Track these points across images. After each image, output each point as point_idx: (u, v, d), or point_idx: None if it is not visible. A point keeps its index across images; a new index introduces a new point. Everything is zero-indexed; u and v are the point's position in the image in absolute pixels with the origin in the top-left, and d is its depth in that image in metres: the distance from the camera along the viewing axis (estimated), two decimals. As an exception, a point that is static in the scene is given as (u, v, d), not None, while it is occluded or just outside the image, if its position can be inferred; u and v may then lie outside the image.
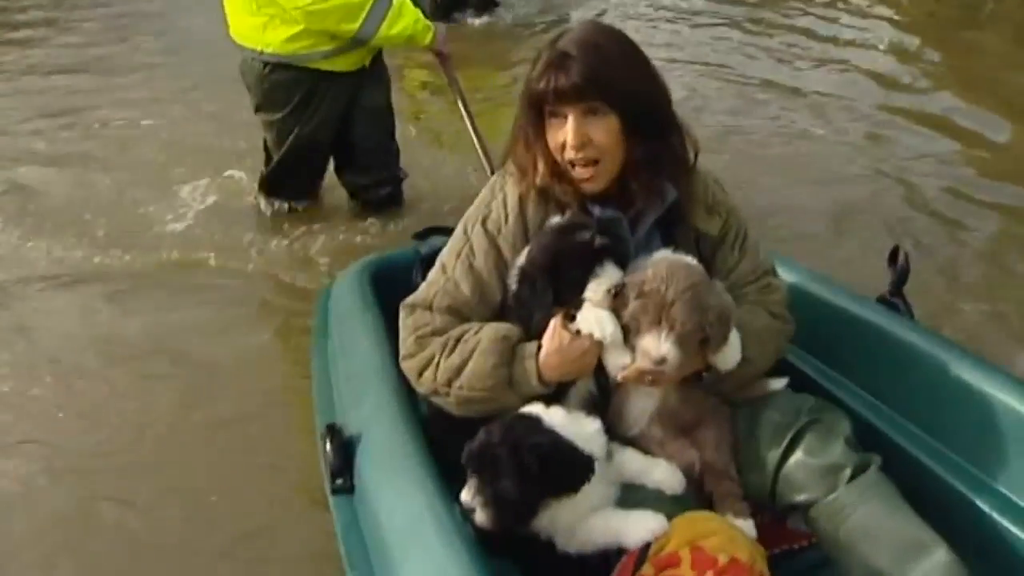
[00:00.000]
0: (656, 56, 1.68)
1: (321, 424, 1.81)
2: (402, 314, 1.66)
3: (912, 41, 6.32)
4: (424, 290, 1.66)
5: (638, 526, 1.43)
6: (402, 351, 1.65)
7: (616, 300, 1.51)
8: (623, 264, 1.55)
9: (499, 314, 1.64)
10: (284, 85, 3.40)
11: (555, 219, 1.60)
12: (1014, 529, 1.57)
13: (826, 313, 1.96)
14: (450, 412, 1.62)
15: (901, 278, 2.00)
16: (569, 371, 1.55)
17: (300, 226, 3.74)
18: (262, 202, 3.85)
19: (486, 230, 1.64)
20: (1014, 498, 1.61)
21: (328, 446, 1.68)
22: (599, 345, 1.53)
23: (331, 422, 1.76)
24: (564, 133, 1.57)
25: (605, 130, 1.56)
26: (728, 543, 1.39)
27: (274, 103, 3.45)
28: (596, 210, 1.65)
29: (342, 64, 3.38)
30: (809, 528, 1.63)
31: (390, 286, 2.03)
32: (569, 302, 1.54)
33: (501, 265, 1.63)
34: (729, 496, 1.59)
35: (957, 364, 1.73)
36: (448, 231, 1.81)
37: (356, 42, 3.29)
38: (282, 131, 3.51)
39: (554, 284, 1.54)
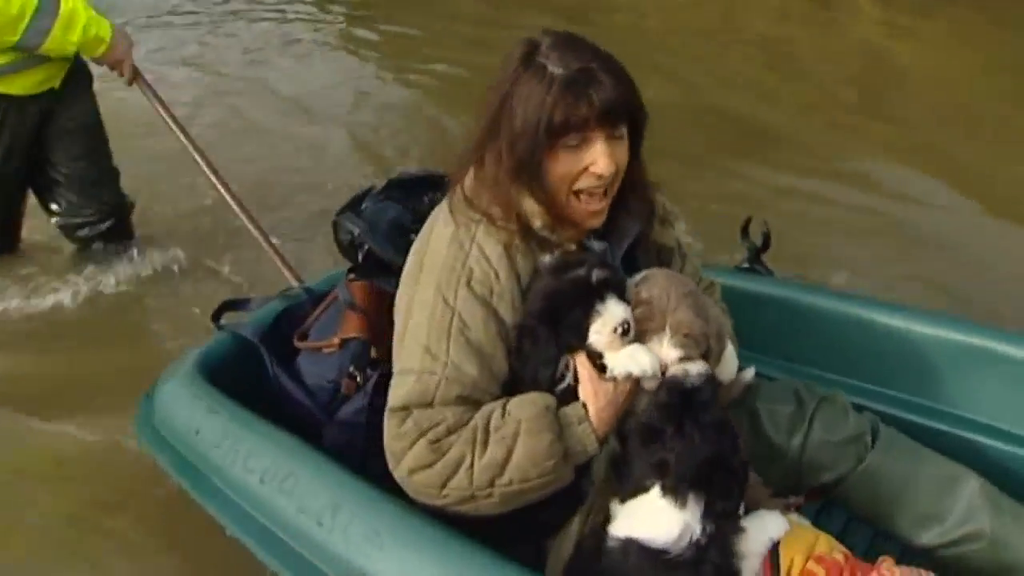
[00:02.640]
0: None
1: None
2: (391, 422, 1.36)
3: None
4: (412, 385, 1.34)
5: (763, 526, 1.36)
6: (405, 464, 1.34)
7: (625, 338, 1.33)
8: (623, 297, 1.38)
9: (508, 384, 1.41)
10: None
11: (544, 259, 1.42)
12: (972, 436, 1.77)
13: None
14: (479, 515, 1.35)
15: (766, 244, 2.08)
16: (615, 419, 1.37)
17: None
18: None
19: (475, 294, 1.36)
20: (966, 414, 1.79)
21: None
22: (637, 380, 1.36)
23: None
24: (582, 160, 1.36)
25: (624, 153, 1.40)
26: (824, 542, 1.39)
27: None
28: (594, 244, 1.51)
29: (20, 85, 2.81)
30: (840, 501, 1.68)
31: (230, 386, 1.71)
32: (575, 348, 1.36)
33: (503, 332, 1.37)
34: (765, 496, 1.53)
35: (867, 312, 1.90)
36: (245, 302, 1.70)
37: (23, 53, 2.73)
38: None
39: (555, 331, 1.35)
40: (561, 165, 1.37)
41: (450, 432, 1.31)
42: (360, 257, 1.83)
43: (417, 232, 1.90)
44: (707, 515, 1.26)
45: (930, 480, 1.60)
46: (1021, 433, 1.74)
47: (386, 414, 1.38)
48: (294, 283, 2.21)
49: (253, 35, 6.19)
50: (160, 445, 1.72)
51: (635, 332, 1.35)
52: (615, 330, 1.32)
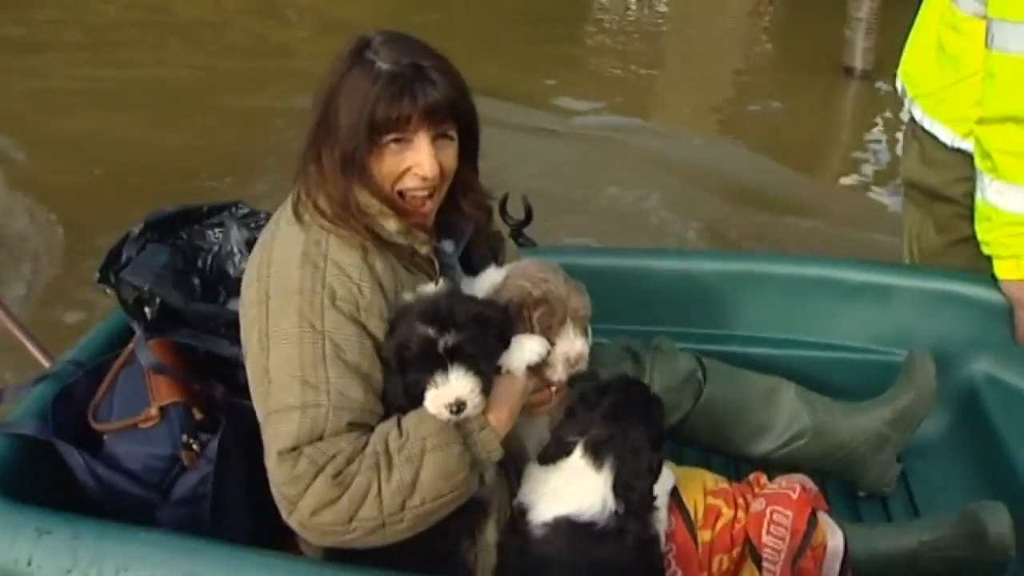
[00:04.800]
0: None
1: None
2: (282, 467, 1.21)
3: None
4: (299, 422, 1.22)
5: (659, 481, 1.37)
6: (304, 507, 1.20)
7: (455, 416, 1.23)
8: (481, 370, 1.25)
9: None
10: None
11: (424, 291, 1.32)
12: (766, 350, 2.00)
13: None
14: (378, 545, 1.24)
15: (528, 218, 2.07)
16: (513, 419, 1.33)
17: None
18: None
19: (343, 313, 1.26)
20: (755, 333, 2.03)
21: None
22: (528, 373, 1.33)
23: None
24: (406, 160, 1.32)
25: (452, 155, 1.37)
26: (710, 478, 1.52)
27: None
28: (447, 245, 1.46)
29: None
30: (680, 437, 1.81)
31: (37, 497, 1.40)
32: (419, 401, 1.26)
33: (375, 346, 1.28)
34: None
35: (646, 261, 2.07)
36: None
37: None
38: None
39: (402, 377, 1.27)
40: (385, 164, 1.32)
41: (350, 462, 1.20)
42: (149, 312, 1.60)
43: (192, 272, 1.72)
44: (618, 487, 1.29)
45: (755, 397, 1.79)
46: (805, 339, 1.99)
47: (272, 461, 1.23)
48: (44, 361, 1.86)
49: None
50: None
51: (535, 335, 1.33)
52: (447, 407, 1.22)
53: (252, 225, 1.76)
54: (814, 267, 2.03)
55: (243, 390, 1.61)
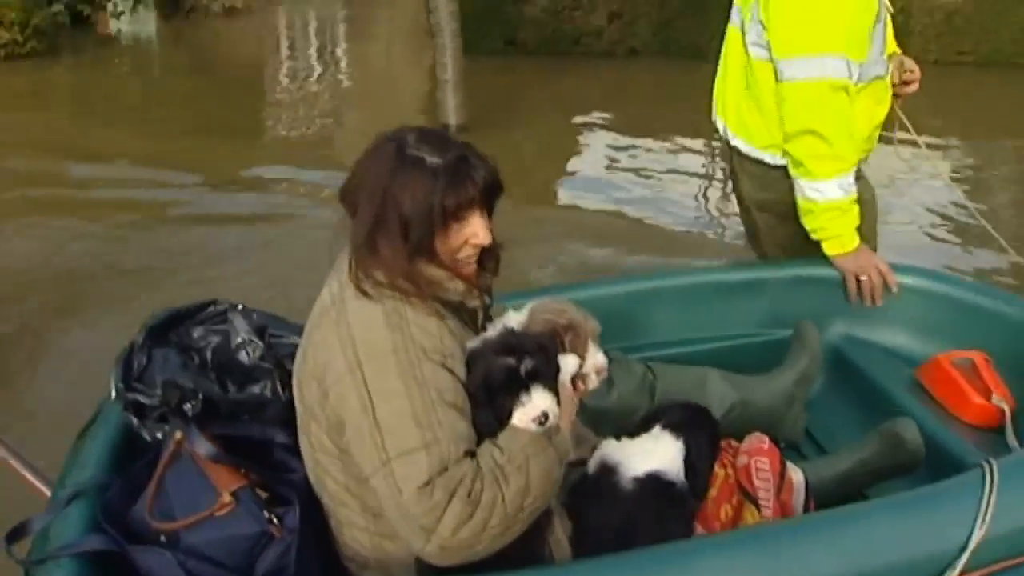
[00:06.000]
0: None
1: None
2: (420, 501, 1.39)
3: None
4: (426, 459, 1.41)
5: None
6: (444, 529, 1.39)
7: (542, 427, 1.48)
8: (553, 386, 1.51)
9: None
10: None
11: (486, 335, 1.58)
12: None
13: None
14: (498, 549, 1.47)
15: None
16: (571, 423, 1.60)
17: None
18: None
19: (436, 363, 1.48)
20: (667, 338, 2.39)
21: None
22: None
23: None
24: (464, 235, 1.56)
25: (489, 223, 1.61)
26: None
27: None
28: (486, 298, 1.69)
29: None
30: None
31: None
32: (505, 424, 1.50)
33: (463, 386, 1.51)
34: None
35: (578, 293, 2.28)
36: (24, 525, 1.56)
37: None
38: None
39: (490, 407, 1.50)
40: (450, 241, 1.56)
41: (475, 482, 1.42)
42: (192, 409, 1.70)
43: (206, 367, 1.85)
44: (688, 461, 1.65)
45: (692, 386, 2.16)
46: (707, 335, 2.41)
47: (408, 499, 1.41)
48: (45, 490, 1.85)
49: None
50: None
51: (570, 354, 1.61)
52: (535, 420, 1.47)
53: (253, 318, 1.91)
54: (701, 275, 2.47)
55: (279, 467, 1.78)
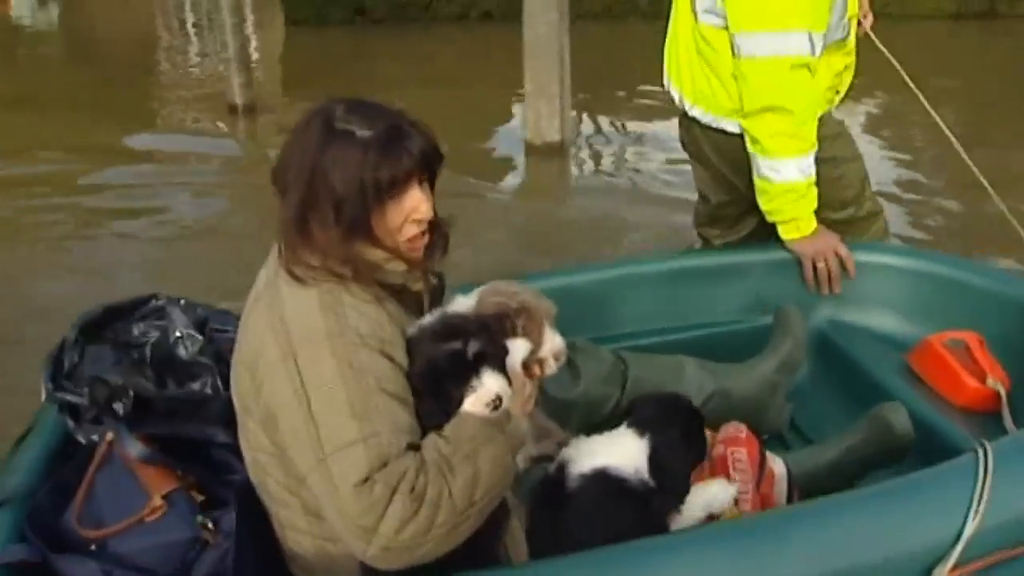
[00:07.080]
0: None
1: None
2: (359, 499, 1.26)
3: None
4: (363, 453, 1.29)
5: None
6: (386, 528, 1.26)
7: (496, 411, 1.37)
8: (502, 367, 1.40)
9: None
10: None
11: (424, 321, 1.45)
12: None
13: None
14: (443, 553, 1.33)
15: None
16: (523, 410, 1.48)
17: None
18: None
19: (374, 349, 1.36)
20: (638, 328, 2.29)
21: None
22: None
23: None
24: (405, 210, 1.44)
25: (431, 194, 1.50)
26: None
27: None
28: (432, 280, 1.57)
29: None
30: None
31: None
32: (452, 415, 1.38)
33: (404, 374, 1.40)
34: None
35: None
36: None
37: None
38: None
39: (435, 396, 1.38)
40: (388, 219, 1.44)
41: (418, 476, 1.29)
42: (123, 408, 1.59)
43: (143, 364, 1.73)
44: (654, 461, 1.51)
45: (667, 375, 2.05)
46: (687, 323, 2.30)
47: (345, 497, 1.28)
48: None
49: None
50: None
51: (522, 336, 1.48)
52: (488, 404, 1.36)
53: (195, 312, 1.79)
54: (678, 260, 2.36)
55: (219, 467, 1.65)
